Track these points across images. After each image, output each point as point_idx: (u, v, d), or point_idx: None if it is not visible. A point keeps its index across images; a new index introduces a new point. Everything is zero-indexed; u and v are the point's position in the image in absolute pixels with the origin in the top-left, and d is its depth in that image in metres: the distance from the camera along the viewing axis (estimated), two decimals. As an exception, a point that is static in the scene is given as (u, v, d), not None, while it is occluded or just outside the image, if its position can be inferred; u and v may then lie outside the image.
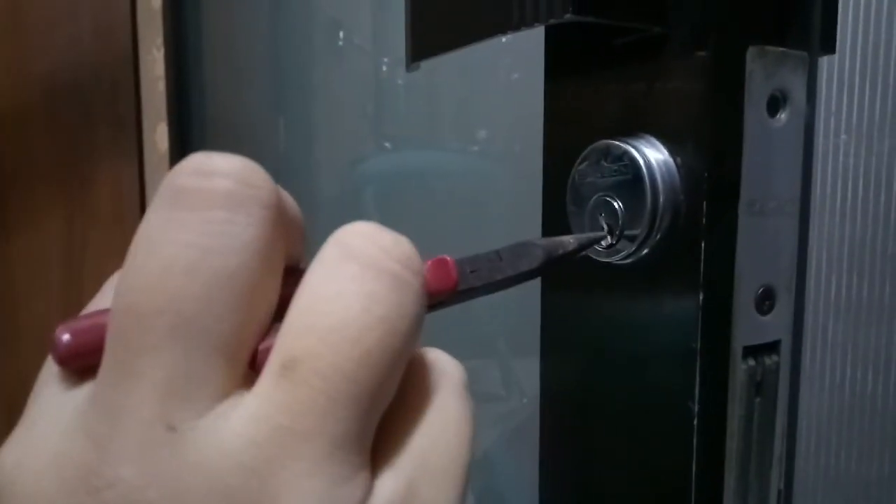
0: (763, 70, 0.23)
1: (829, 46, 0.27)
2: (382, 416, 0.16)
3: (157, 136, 1.18)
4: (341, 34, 1.49)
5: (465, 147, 1.59)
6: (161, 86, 1.18)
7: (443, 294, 0.20)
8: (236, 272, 0.14)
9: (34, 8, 1.26)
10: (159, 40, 1.17)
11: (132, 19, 1.18)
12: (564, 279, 0.28)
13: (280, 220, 0.15)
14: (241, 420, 0.14)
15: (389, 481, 0.15)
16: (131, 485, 0.14)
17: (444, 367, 0.17)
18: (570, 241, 0.23)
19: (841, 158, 0.71)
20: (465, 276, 0.21)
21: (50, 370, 0.16)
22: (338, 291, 0.15)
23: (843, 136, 0.71)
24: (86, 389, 0.15)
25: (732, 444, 0.25)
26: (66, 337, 0.15)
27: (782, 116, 0.24)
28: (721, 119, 0.23)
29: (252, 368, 0.16)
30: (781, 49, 0.23)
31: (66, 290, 1.24)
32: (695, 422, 0.24)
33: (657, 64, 0.24)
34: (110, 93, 1.22)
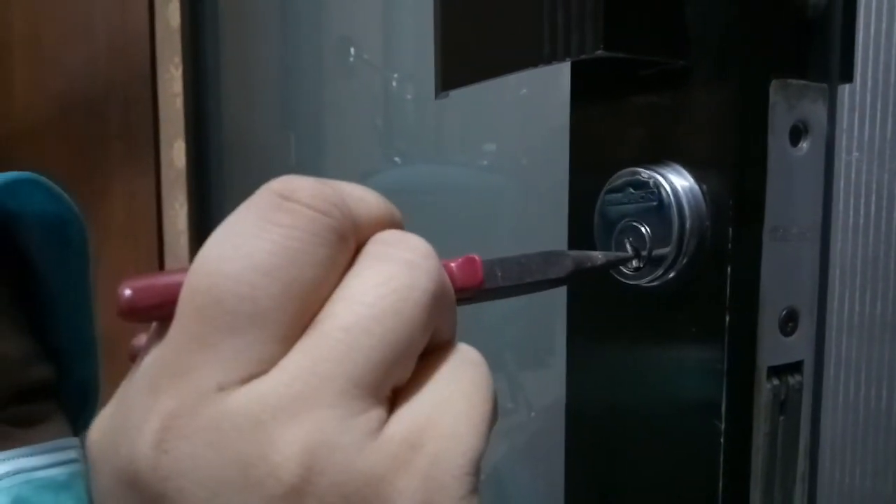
0: (785, 101, 0.24)
1: (847, 76, 0.27)
2: (409, 381, 0.18)
3: (175, 151, 1.20)
4: (352, 51, 1.50)
5: (473, 161, 1.60)
6: (178, 103, 1.19)
7: (469, 290, 0.21)
8: (307, 281, 0.17)
9: (52, 26, 1.29)
10: (177, 58, 1.19)
11: (150, 38, 1.20)
12: (592, 300, 0.29)
13: (352, 242, 0.19)
14: (275, 371, 0.17)
15: (406, 416, 0.18)
16: (179, 430, 0.16)
17: (468, 350, 0.20)
18: (599, 256, 0.24)
19: (853, 176, 0.72)
20: (493, 276, 0.22)
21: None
22: (358, 274, 0.18)
23: (855, 154, 0.72)
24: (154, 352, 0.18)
25: (758, 462, 0.26)
26: (127, 292, 0.18)
27: (804, 145, 0.25)
28: (745, 149, 0.24)
29: None
30: (803, 81, 0.24)
31: (81, 304, 1.25)
32: (721, 439, 0.25)
33: (683, 94, 0.25)
34: (126, 109, 1.24)
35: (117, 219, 1.21)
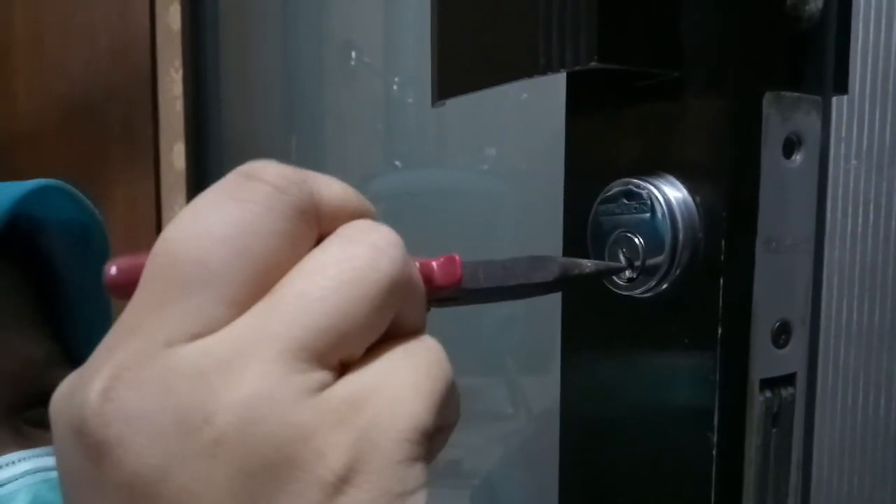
0: (779, 114, 0.24)
1: (842, 87, 0.28)
2: (362, 358, 0.19)
3: (174, 155, 1.20)
4: (353, 54, 1.51)
5: (474, 165, 1.60)
6: (179, 106, 1.20)
7: (449, 288, 0.21)
8: (261, 250, 0.18)
9: (53, 29, 1.29)
10: (178, 61, 1.19)
11: (151, 41, 1.20)
12: (586, 311, 0.29)
13: (312, 220, 0.19)
14: (224, 329, 0.18)
15: (353, 380, 0.18)
16: (126, 380, 0.17)
17: (429, 339, 0.20)
18: (588, 264, 0.24)
19: (851, 184, 0.72)
20: (474, 277, 0.22)
21: None
22: (322, 252, 0.19)
23: (853, 162, 0.72)
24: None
25: (750, 474, 0.26)
26: (113, 270, 0.19)
27: (797, 158, 0.25)
28: (738, 161, 0.24)
29: None
30: (796, 94, 0.24)
31: (81, 306, 1.25)
32: (713, 451, 0.25)
33: (677, 106, 0.25)
34: (127, 112, 1.24)
35: (118, 220, 1.21)
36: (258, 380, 0.17)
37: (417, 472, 0.18)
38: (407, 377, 0.18)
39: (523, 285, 0.22)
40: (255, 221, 0.18)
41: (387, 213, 1.49)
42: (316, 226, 0.19)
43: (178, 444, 0.17)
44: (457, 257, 0.22)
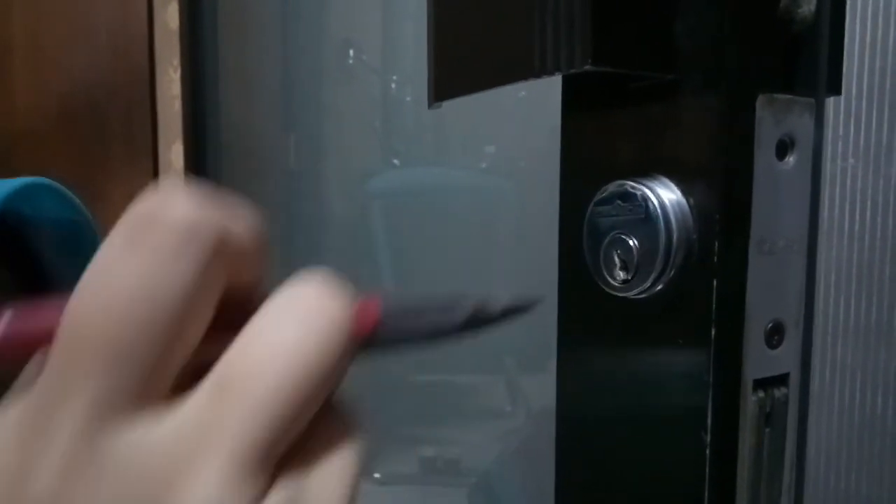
0: (772, 116, 0.24)
1: (835, 88, 0.28)
2: (294, 445, 0.18)
3: (173, 154, 1.20)
4: (351, 53, 1.51)
5: (472, 163, 1.59)
6: (177, 105, 1.20)
7: (363, 337, 0.19)
8: (170, 308, 0.16)
9: (52, 28, 1.29)
10: (176, 61, 1.19)
11: (149, 40, 1.20)
12: (581, 311, 0.29)
13: (221, 261, 0.17)
14: (162, 429, 0.16)
15: (281, 490, 0.17)
16: (53, 496, 0.16)
17: (348, 417, 0.19)
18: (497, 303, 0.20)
19: (849, 182, 0.72)
20: (396, 318, 0.20)
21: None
22: (274, 329, 0.17)
23: (850, 161, 0.72)
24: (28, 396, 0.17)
25: (743, 473, 0.26)
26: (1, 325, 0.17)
27: (790, 160, 0.25)
28: (731, 163, 0.24)
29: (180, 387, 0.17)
30: (789, 96, 0.25)
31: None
32: (707, 451, 0.25)
33: (671, 108, 0.25)
34: (126, 111, 1.24)
35: (116, 219, 1.21)
36: (213, 487, 0.16)
37: None
38: (325, 489, 0.18)
39: (430, 332, 0.20)
40: (162, 275, 0.16)
41: (385, 210, 1.49)
42: (228, 265, 0.18)
43: None
44: (376, 299, 0.20)
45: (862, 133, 0.73)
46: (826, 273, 0.72)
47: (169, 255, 0.17)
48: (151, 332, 0.16)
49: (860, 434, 0.74)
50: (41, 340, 0.17)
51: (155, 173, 1.21)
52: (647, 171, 0.26)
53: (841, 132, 0.73)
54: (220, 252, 0.17)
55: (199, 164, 1.24)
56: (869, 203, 0.73)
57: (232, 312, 0.18)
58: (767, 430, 0.26)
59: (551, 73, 0.24)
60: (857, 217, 0.73)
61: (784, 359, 0.26)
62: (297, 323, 0.17)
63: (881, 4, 0.69)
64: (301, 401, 0.17)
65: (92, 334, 0.16)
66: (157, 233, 0.17)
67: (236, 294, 0.18)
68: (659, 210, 0.25)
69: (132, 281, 0.16)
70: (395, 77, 1.57)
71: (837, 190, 0.73)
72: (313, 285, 0.18)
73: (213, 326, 0.18)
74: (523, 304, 0.21)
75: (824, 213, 0.72)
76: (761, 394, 0.26)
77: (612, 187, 0.27)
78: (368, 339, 0.20)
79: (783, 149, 0.25)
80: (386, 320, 0.20)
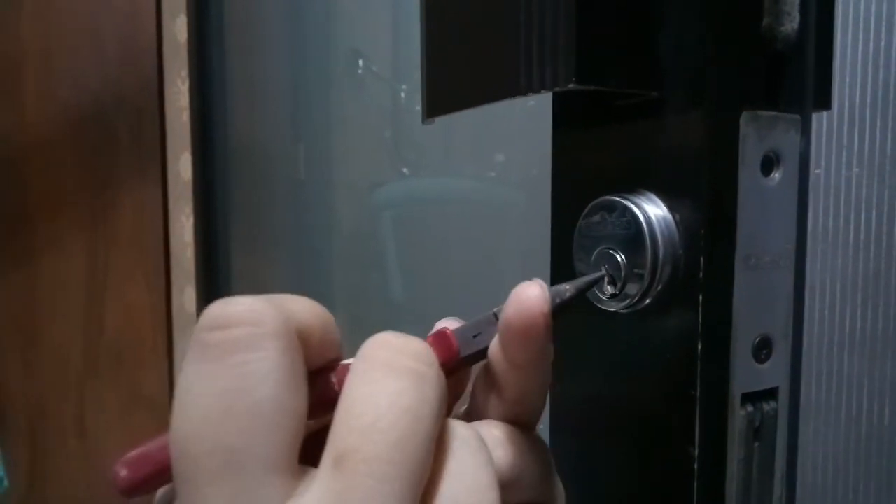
0: (756, 133, 0.24)
1: (823, 103, 0.28)
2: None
3: (181, 164, 1.21)
4: (360, 62, 1.51)
5: (482, 172, 1.60)
6: (185, 116, 1.21)
7: (450, 363, 0.21)
8: (264, 401, 0.17)
9: (62, 40, 1.31)
10: (184, 72, 1.21)
11: (158, 51, 1.22)
12: (568, 326, 0.29)
13: (294, 342, 0.18)
14: None
15: None
16: None
17: (459, 431, 0.19)
18: (566, 287, 0.24)
19: (853, 191, 0.72)
20: (467, 342, 0.22)
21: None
22: (369, 393, 0.18)
23: (854, 169, 0.72)
24: None
25: (732, 488, 0.26)
26: (123, 472, 0.18)
27: (776, 175, 0.25)
28: (717, 179, 0.24)
29: (304, 463, 0.18)
30: (774, 113, 0.25)
31: (88, 313, 1.27)
32: (695, 465, 0.25)
33: (656, 124, 0.26)
34: (134, 122, 1.26)
35: (125, 230, 1.23)
36: None
37: None
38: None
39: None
40: (246, 377, 0.17)
41: (395, 220, 1.50)
42: (301, 345, 0.18)
43: None
44: (448, 332, 0.22)
45: (867, 142, 0.73)
46: (831, 282, 0.72)
47: (243, 354, 0.17)
48: (254, 433, 0.17)
49: (867, 445, 0.73)
50: (162, 473, 0.18)
51: (163, 183, 1.22)
52: (634, 186, 0.26)
53: (846, 141, 0.73)
54: (292, 333, 0.18)
55: (207, 175, 1.25)
56: (874, 212, 0.72)
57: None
58: (756, 444, 0.26)
59: (537, 91, 0.25)
60: (863, 226, 0.73)
61: (773, 373, 0.26)
62: (388, 377, 0.18)
63: (884, 13, 0.69)
64: (413, 453, 0.17)
65: (201, 454, 0.17)
66: (223, 341, 0.17)
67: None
68: (645, 226, 0.25)
69: (218, 392, 0.17)
70: (404, 87, 1.58)
71: (843, 199, 0.73)
72: (385, 337, 0.19)
73: None
74: (590, 281, 0.25)
75: (829, 222, 0.72)
76: (750, 408, 0.26)
77: (599, 203, 0.27)
78: (454, 367, 0.22)
79: (769, 165, 0.25)
80: (466, 338, 0.22)
